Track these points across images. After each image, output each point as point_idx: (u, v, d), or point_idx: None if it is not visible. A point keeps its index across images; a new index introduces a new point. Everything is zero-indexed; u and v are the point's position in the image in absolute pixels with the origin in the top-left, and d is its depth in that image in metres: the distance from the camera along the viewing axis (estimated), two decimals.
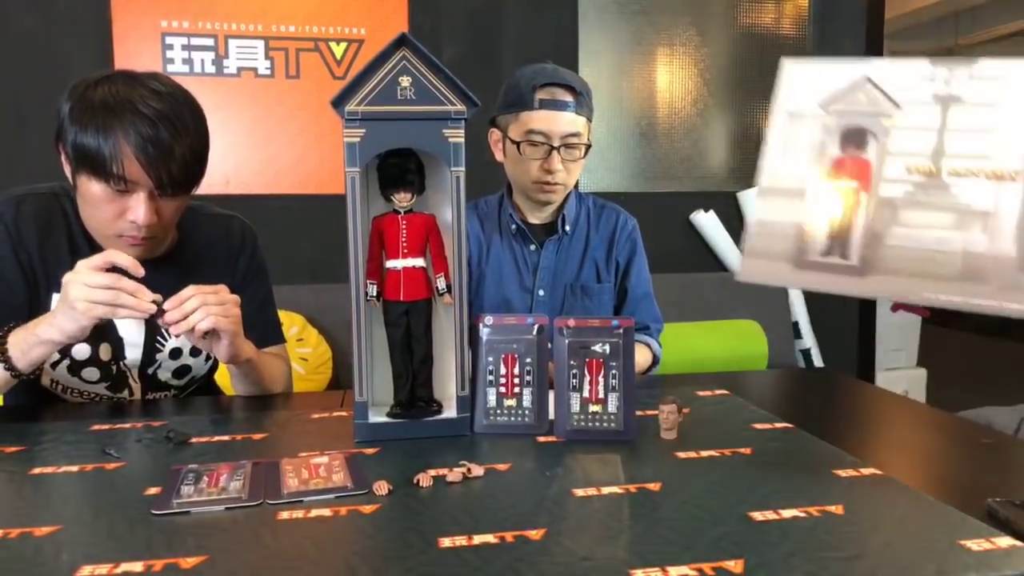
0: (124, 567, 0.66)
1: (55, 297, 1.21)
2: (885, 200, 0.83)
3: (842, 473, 0.87)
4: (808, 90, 0.89)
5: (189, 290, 1.13)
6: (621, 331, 1.02)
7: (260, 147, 2.81)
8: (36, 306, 1.20)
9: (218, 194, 2.63)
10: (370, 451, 0.98)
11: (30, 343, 1.09)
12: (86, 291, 1.05)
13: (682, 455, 0.94)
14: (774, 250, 0.87)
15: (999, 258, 0.78)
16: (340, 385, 2.58)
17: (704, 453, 0.95)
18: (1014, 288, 0.77)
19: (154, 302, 1.08)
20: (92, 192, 1.14)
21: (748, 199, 3.20)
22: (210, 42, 2.71)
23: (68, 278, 1.06)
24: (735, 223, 3.24)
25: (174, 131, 1.13)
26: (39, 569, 0.65)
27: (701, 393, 1.24)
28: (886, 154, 0.84)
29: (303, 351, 2.45)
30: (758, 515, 0.75)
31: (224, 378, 1.40)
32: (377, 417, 1.04)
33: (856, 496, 0.81)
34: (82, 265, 1.07)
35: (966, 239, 0.79)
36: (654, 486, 0.83)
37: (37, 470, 0.91)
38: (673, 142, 3.22)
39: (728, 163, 3.27)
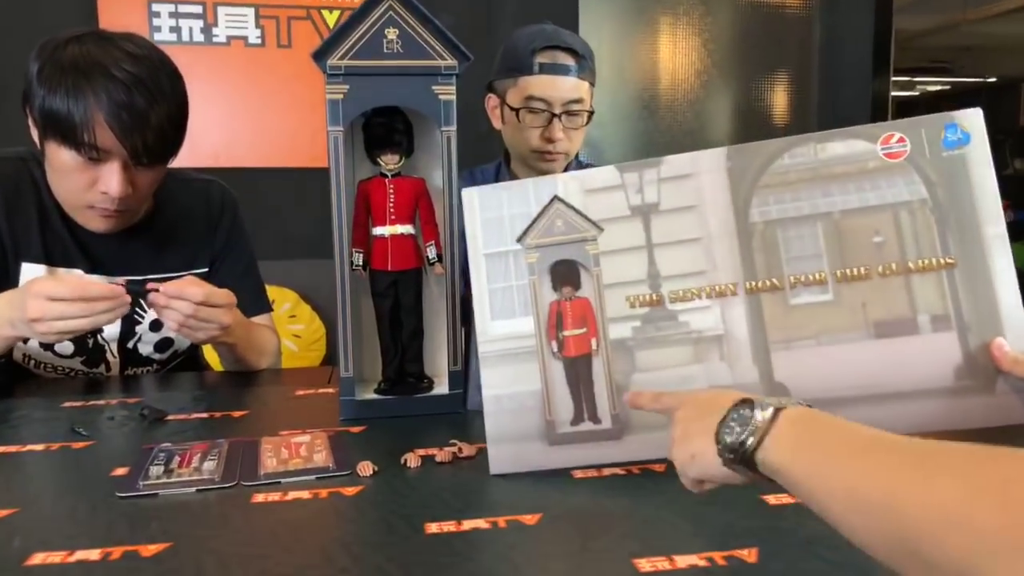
0: (79, 555, 0.60)
1: (24, 267, 1.15)
2: (617, 343, 0.73)
3: None
4: (499, 223, 0.77)
5: (194, 291, 1.05)
6: None
7: (251, 119, 2.72)
8: (4, 276, 1.14)
9: (208, 167, 2.56)
10: (356, 430, 0.92)
11: None
12: (59, 325, 0.97)
13: None
14: (519, 430, 0.75)
15: (744, 387, 0.70)
16: (334, 362, 2.52)
17: None
18: None
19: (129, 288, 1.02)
20: (61, 160, 1.07)
21: None
22: (198, 9, 2.62)
23: (34, 315, 0.96)
24: None
25: (150, 97, 1.06)
26: None
27: None
28: (603, 288, 0.74)
29: (296, 328, 2.39)
30: (772, 499, 0.69)
31: (212, 352, 1.34)
32: (364, 394, 0.99)
33: None
34: (43, 296, 0.97)
35: (708, 371, 0.72)
36: (659, 467, 0.77)
37: (0, 449, 0.85)
38: (676, 115, 3.14)
39: (732, 136, 3.20)
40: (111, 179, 1.07)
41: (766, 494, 0.70)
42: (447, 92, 0.95)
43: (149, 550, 0.61)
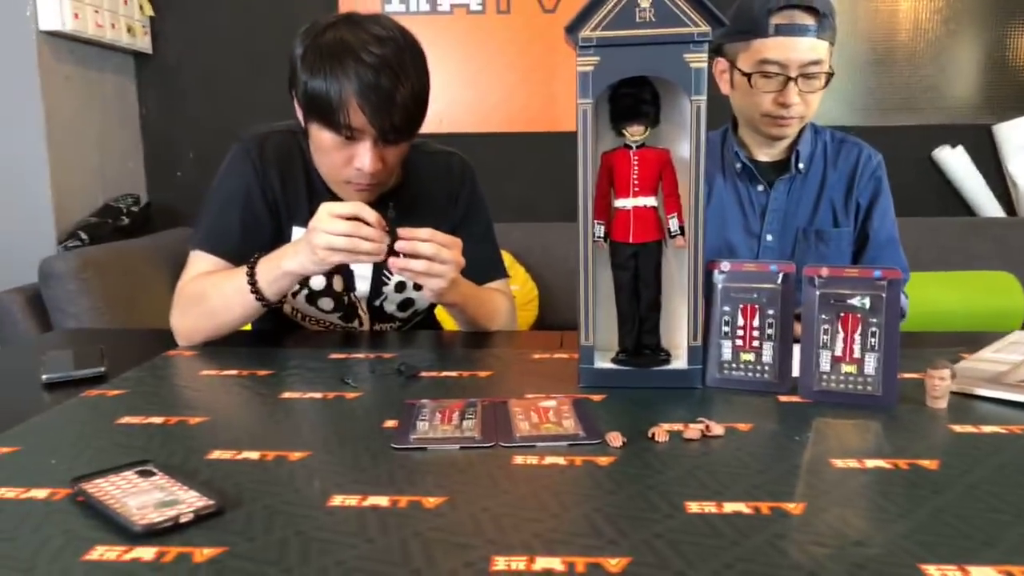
0: (372, 500, 0.66)
1: (295, 230, 1.28)
2: None
3: None
4: None
5: (426, 246, 1.10)
6: (885, 283, 0.89)
7: (471, 85, 2.83)
8: (279, 238, 1.28)
9: (431, 133, 2.69)
10: (596, 398, 0.94)
11: (275, 275, 1.15)
12: (327, 239, 1.06)
13: (959, 428, 0.81)
14: None
15: None
16: (546, 322, 2.59)
17: (987, 428, 0.81)
18: None
19: (388, 230, 1.10)
20: (322, 140, 1.17)
21: (1008, 132, 2.77)
22: None
23: (313, 224, 1.08)
24: (989, 160, 2.84)
25: (395, 77, 1.12)
26: (295, 495, 0.68)
27: (967, 356, 1.08)
28: None
29: (511, 288, 2.48)
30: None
31: (445, 313, 1.43)
32: (602, 363, 1.00)
33: None
34: (326, 212, 1.07)
35: None
36: (930, 463, 0.72)
37: (286, 395, 0.96)
38: (916, 68, 2.85)
39: (983, 91, 2.85)
40: (364, 156, 1.16)
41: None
42: (698, 60, 0.92)
43: (430, 502, 0.66)
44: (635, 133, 0.97)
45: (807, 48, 1.36)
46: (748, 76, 1.40)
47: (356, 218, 1.07)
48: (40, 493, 0.68)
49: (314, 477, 0.71)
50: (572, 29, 0.92)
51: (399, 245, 1.09)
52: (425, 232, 1.11)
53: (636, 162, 0.98)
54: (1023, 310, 2.41)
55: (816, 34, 1.36)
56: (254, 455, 0.76)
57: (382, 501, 0.66)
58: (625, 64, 0.93)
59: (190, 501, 0.64)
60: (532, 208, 2.86)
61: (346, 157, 1.18)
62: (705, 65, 0.92)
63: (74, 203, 2.52)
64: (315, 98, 1.14)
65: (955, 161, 2.81)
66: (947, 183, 2.87)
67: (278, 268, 1.15)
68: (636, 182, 0.98)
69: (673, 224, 0.98)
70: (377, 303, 1.36)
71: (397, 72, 1.13)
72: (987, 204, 2.82)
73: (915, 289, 1.55)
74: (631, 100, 0.96)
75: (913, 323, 1.62)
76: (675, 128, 1.00)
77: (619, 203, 0.99)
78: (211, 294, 1.19)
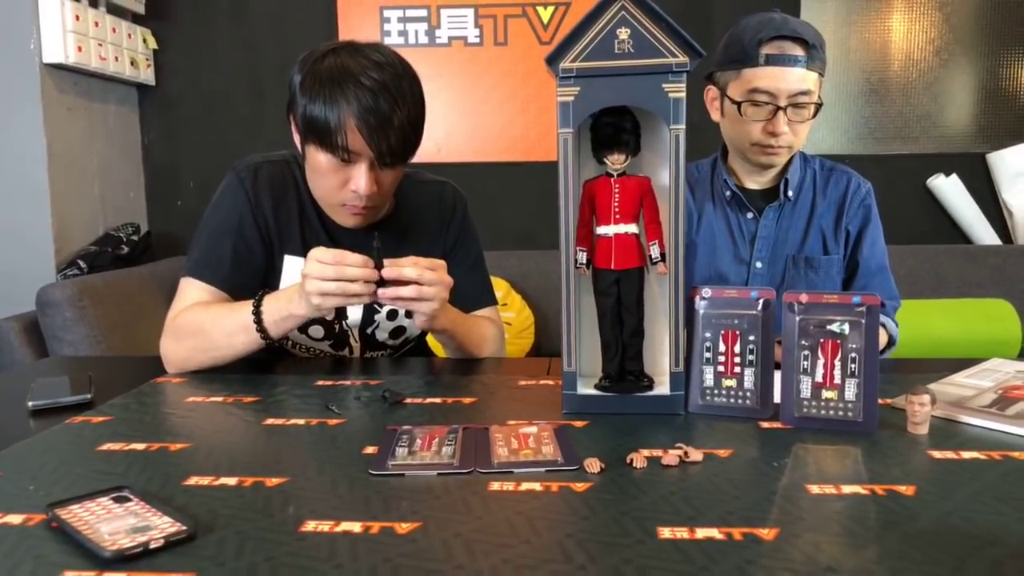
0: (345, 525, 0.66)
1: (287, 259, 1.29)
2: None
3: None
4: None
5: (410, 269, 1.11)
6: (864, 309, 0.89)
7: (469, 115, 2.86)
8: (271, 266, 1.29)
9: (429, 162, 2.72)
10: (578, 424, 0.94)
11: (281, 315, 1.16)
12: (317, 285, 1.07)
13: (937, 455, 0.81)
14: None
15: None
16: (542, 350, 2.59)
17: (966, 454, 0.81)
18: None
19: (377, 252, 1.10)
20: (319, 162, 1.19)
21: (1001, 161, 2.79)
22: (424, 13, 2.78)
23: (304, 271, 1.09)
24: (983, 189, 2.85)
25: (393, 101, 1.14)
26: (269, 520, 0.68)
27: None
28: None
29: (507, 315, 2.48)
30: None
31: (434, 341, 1.43)
32: (585, 389, 1.00)
33: None
34: (313, 259, 1.08)
35: None
36: (906, 489, 0.72)
37: (269, 421, 0.96)
38: (909, 98, 2.88)
39: (976, 120, 2.88)
40: (360, 179, 1.18)
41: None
42: (677, 90, 0.93)
43: (402, 528, 0.66)
44: (616, 162, 0.98)
45: (797, 78, 1.37)
46: (738, 105, 1.41)
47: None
48: (15, 519, 0.69)
49: (290, 503, 0.72)
50: (552, 60, 0.94)
51: (385, 273, 1.10)
52: (407, 260, 1.12)
53: (617, 190, 0.99)
54: (1019, 337, 2.41)
55: (806, 65, 1.37)
56: (231, 481, 0.77)
57: (355, 527, 0.66)
58: (605, 94, 0.94)
59: (162, 527, 0.64)
60: (529, 236, 2.88)
61: (342, 180, 1.20)
62: (683, 94, 0.93)
63: (75, 232, 2.54)
64: (314, 120, 1.15)
65: (949, 189, 2.82)
66: (942, 211, 2.89)
67: (285, 310, 1.16)
68: (617, 210, 0.99)
69: (654, 251, 0.98)
70: (369, 331, 1.37)
71: (395, 96, 1.15)
72: (982, 232, 2.83)
73: (912, 316, 1.55)
74: (612, 129, 0.98)
75: (909, 350, 1.62)
76: (656, 156, 1.01)
77: (601, 230, 1.00)
78: (211, 328, 1.20)
